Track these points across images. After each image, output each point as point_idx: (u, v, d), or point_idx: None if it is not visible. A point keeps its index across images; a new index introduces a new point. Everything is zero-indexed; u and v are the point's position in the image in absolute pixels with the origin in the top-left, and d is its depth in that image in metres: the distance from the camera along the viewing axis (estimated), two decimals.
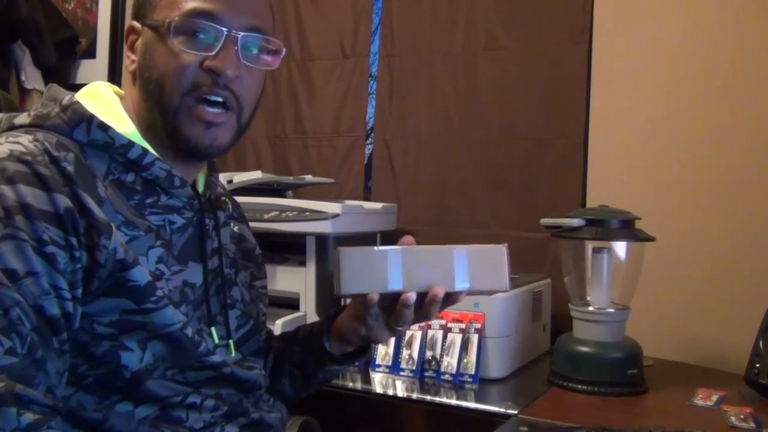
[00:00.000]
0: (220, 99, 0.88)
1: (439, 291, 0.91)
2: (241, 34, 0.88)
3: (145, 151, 0.87)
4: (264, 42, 0.92)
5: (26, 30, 2.25)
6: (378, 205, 1.90)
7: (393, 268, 0.92)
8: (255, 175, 1.89)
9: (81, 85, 0.92)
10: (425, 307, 0.93)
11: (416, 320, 0.96)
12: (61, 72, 2.37)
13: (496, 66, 1.92)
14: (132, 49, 0.92)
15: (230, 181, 1.84)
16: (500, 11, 1.91)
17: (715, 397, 1.30)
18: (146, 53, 0.89)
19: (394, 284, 0.92)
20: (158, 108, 0.88)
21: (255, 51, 0.91)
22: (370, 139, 2.14)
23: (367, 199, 2.08)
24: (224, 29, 0.87)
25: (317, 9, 2.17)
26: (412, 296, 0.91)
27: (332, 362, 1.07)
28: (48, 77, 2.34)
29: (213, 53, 0.87)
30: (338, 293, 0.92)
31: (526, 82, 1.88)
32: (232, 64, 0.87)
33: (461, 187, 1.96)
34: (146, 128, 0.90)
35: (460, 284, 0.93)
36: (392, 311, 0.94)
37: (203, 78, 0.87)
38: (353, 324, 1.02)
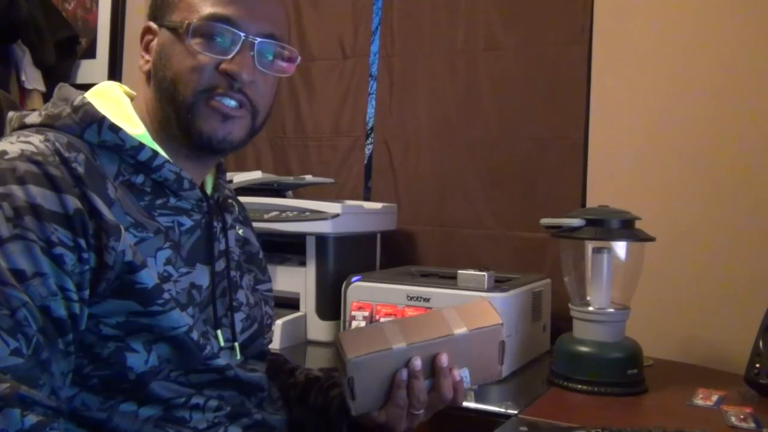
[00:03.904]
0: (233, 103, 0.89)
1: (443, 357, 0.95)
2: (258, 39, 0.89)
3: (155, 153, 0.87)
4: (279, 48, 0.93)
5: (26, 30, 2.24)
6: (378, 205, 1.91)
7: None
8: (255, 175, 1.89)
9: (82, 85, 0.92)
10: (437, 384, 0.96)
11: (430, 406, 0.99)
12: (61, 72, 2.36)
13: (496, 66, 1.92)
14: (147, 49, 0.93)
15: (230, 181, 1.84)
16: (500, 11, 1.91)
17: (715, 397, 1.30)
18: (162, 53, 0.90)
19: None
20: (172, 105, 0.88)
21: (270, 57, 0.92)
22: (370, 139, 2.15)
23: (367, 199, 2.08)
24: (242, 34, 0.88)
25: (317, 9, 2.17)
26: (417, 363, 0.94)
27: None
28: (48, 77, 2.34)
29: (229, 57, 0.88)
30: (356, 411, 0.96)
31: (526, 82, 1.88)
32: (248, 69, 0.88)
33: (461, 187, 1.96)
34: (159, 128, 0.91)
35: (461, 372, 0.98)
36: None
37: (218, 80, 0.88)
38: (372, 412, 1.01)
